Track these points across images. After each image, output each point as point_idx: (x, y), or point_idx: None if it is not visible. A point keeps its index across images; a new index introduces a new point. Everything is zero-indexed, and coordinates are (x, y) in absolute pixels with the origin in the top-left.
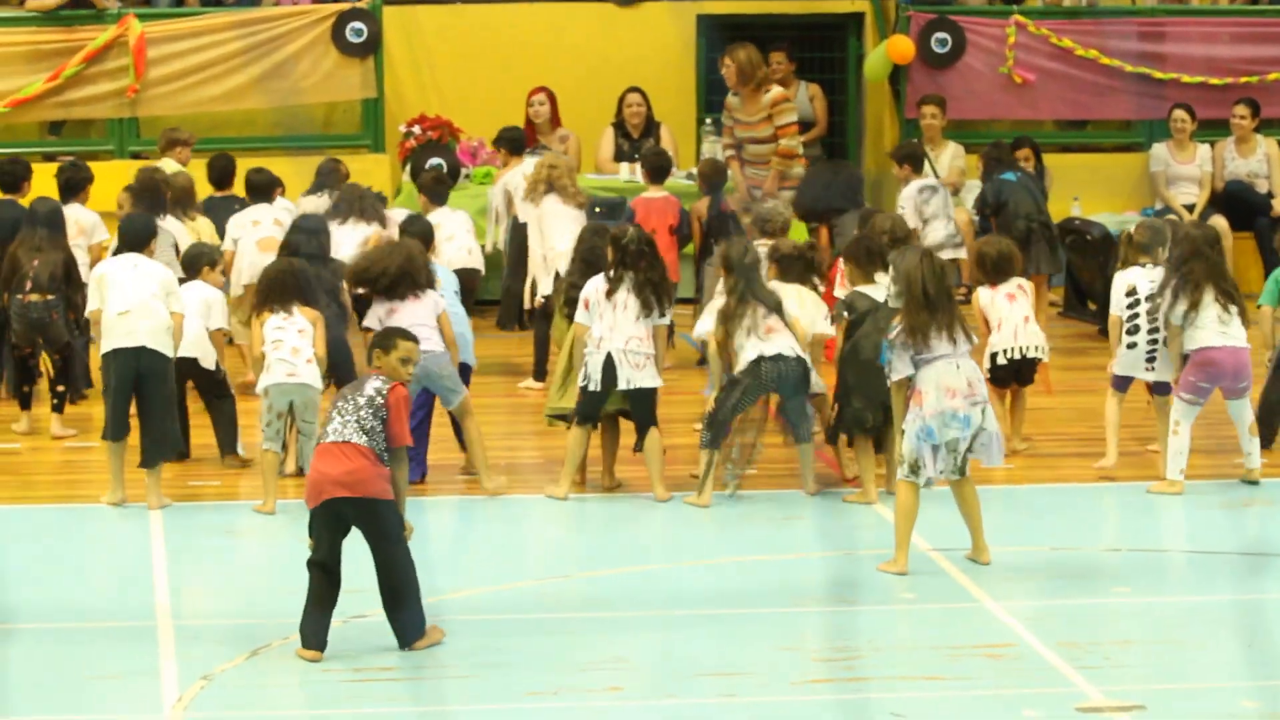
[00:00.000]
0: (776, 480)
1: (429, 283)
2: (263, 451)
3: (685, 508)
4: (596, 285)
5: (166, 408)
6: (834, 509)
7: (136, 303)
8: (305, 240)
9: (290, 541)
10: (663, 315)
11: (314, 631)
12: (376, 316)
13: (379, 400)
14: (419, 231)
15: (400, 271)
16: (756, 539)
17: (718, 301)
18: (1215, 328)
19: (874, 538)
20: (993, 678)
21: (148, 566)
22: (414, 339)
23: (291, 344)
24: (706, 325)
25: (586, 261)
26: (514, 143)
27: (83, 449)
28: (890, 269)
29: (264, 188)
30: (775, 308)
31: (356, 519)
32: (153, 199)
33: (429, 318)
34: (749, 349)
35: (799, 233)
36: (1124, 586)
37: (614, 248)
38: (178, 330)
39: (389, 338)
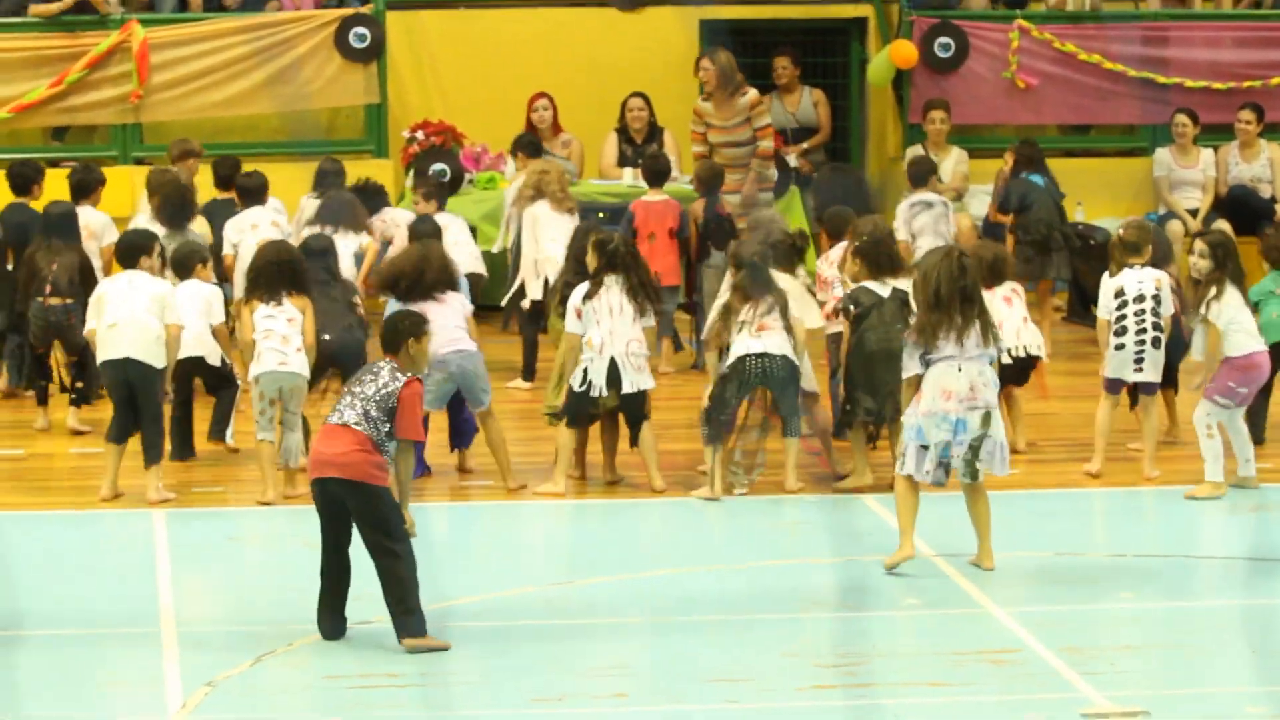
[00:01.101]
0: (779, 485)
1: (451, 284)
2: (258, 442)
3: (688, 511)
4: (583, 294)
5: (157, 414)
6: (837, 513)
7: (126, 316)
8: (314, 263)
9: (294, 547)
10: (655, 316)
11: (325, 623)
12: None
13: (391, 394)
14: (428, 232)
15: (418, 274)
16: (760, 544)
17: (723, 299)
18: (1252, 330)
19: (877, 543)
20: (997, 684)
21: (152, 571)
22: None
23: (281, 333)
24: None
25: (580, 261)
26: (531, 146)
27: (90, 454)
28: (917, 267)
29: (256, 191)
30: (779, 306)
31: (350, 502)
32: (177, 209)
33: (458, 318)
34: (737, 345)
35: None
36: (1128, 592)
37: (600, 253)
38: (174, 341)
39: (421, 325)
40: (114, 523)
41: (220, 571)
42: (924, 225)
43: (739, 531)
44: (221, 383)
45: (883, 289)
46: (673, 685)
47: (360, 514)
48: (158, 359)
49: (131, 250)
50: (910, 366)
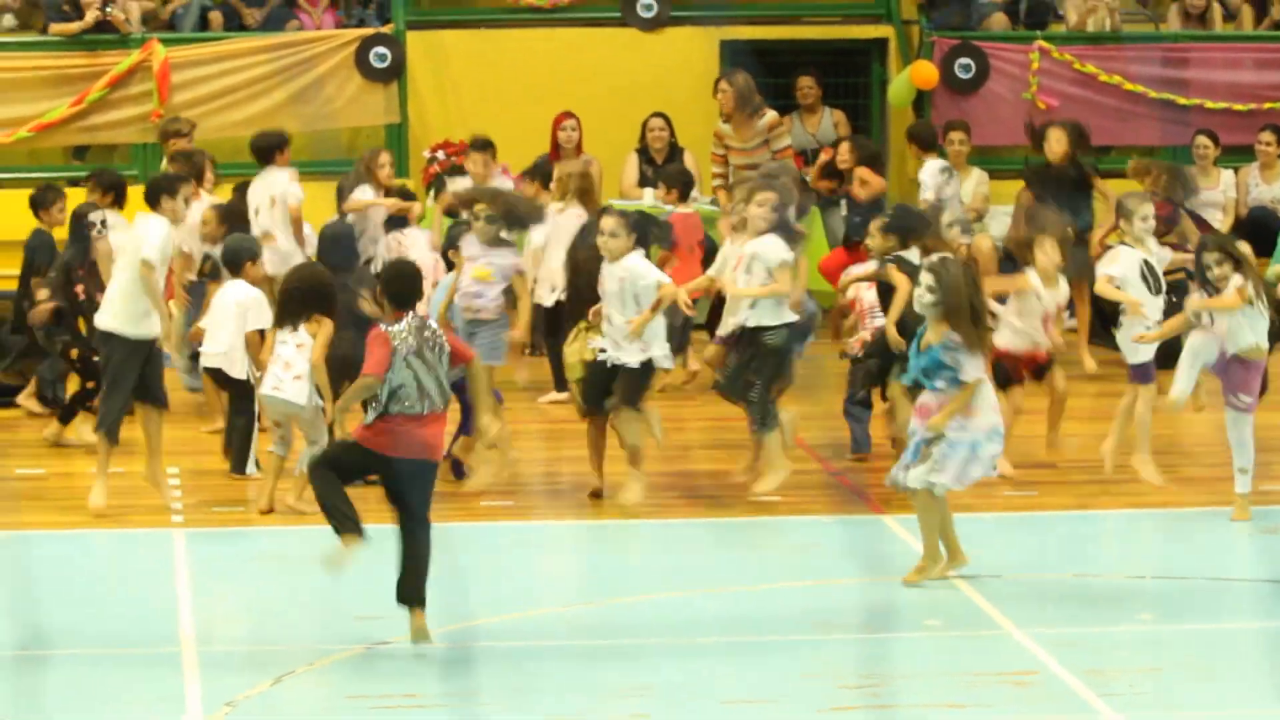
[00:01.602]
0: (800, 506)
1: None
2: (267, 452)
3: (708, 532)
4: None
5: (112, 382)
6: (856, 534)
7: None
8: (330, 248)
9: (314, 568)
10: None
11: (348, 515)
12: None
13: (445, 350)
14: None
15: None
16: (779, 565)
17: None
18: None
19: (899, 564)
20: (1016, 705)
21: (172, 592)
22: None
23: (285, 358)
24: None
25: (575, 286)
26: (549, 177)
27: (111, 474)
28: (930, 274)
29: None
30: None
31: (417, 477)
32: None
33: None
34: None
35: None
36: (1147, 613)
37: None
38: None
39: None
40: (134, 542)
41: (241, 591)
42: (953, 192)
43: (759, 553)
44: (236, 402)
45: (913, 256)
46: (693, 707)
47: (421, 486)
48: (115, 325)
49: (152, 190)
50: (972, 371)
